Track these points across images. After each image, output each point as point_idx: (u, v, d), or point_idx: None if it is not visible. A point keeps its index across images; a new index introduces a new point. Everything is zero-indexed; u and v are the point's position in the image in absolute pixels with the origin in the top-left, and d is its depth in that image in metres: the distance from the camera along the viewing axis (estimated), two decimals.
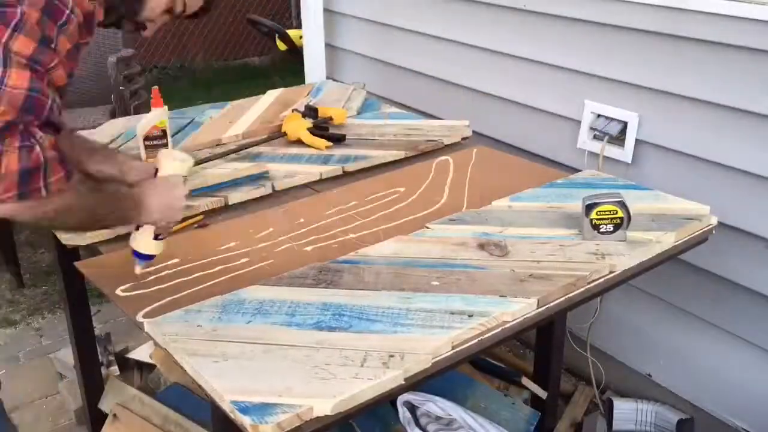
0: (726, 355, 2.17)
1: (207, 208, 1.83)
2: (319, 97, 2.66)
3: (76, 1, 1.29)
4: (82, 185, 1.43)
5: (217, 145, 2.24)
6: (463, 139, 2.32)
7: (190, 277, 1.54)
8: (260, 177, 1.97)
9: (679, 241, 1.68)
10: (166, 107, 2.04)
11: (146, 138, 2.03)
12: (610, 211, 1.60)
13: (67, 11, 1.26)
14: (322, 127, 2.27)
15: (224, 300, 1.40)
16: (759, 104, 1.90)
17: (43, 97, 1.22)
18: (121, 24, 1.51)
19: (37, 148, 1.22)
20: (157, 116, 2.02)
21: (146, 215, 1.45)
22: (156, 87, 2.02)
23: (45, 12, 1.23)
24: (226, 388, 1.15)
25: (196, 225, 1.77)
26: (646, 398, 2.28)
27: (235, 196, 1.87)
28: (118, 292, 1.48)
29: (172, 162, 1.54)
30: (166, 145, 2.06)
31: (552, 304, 1.44)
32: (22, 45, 1.19)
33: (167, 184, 1.50)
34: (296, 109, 2.39)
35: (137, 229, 1.49)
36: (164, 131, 2.05)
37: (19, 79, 1.18)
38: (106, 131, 2.28)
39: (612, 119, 2.26)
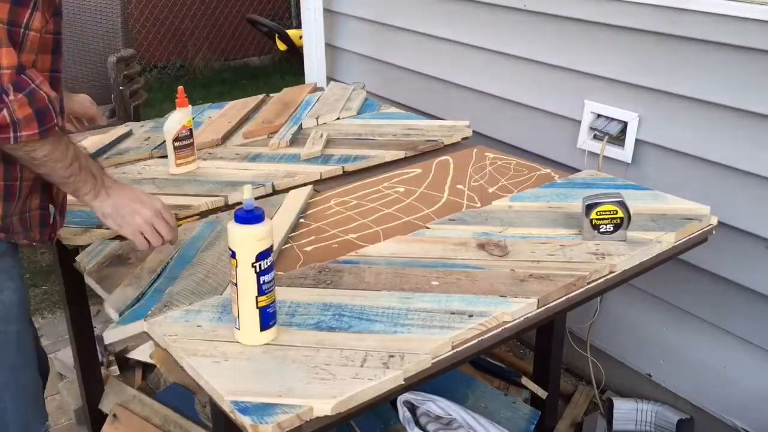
0: (726, 355, 2.17)
1: (207, 208, 1.83)
2: (319, 98, 2.66)
3: None
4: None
5: (216, 145, 2.24)
6: (463, 139, 2.32)
7: None
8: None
9: (679, 241, 1.68)
10: (190, 107, 2.01)
11: (176, 139, 1.98)
12: (610, 211, 1.60)
13: None
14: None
15: (224, 300, 1.40)
16: (759, 104, 1.90)
17: None
18: None
19: (40, 91, 1.27)
20: (185, 116, 1.98)
21: (99, 205, 1.45)
22: (181, 87, 1.98)
23: None
24: (226, 389, 1.15)
25: None
26: (646, 398, 2.28)
27: (235, 196, 1.87)
28: None
29: None
30: (192, 145, 2.02)
31: (552, 304, 1.44)
32: None
33: (139, 196, 1.48)
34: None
35: None
36: (190, 131, 2.01)
37: None
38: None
39: (612, 119, 2.25)
